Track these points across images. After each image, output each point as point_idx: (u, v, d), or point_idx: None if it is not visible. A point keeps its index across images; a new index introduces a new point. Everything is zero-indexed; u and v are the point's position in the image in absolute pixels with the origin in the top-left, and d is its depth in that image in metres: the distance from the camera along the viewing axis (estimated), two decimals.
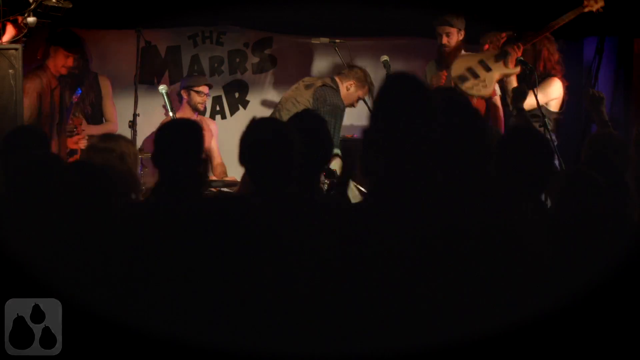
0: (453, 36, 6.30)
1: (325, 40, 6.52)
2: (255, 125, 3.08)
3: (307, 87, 6.22)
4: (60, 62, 5.84)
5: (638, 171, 4.12)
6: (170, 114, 5.94)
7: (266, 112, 6.78)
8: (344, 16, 6.76)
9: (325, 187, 4.47)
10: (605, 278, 2.80)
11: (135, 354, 2.66)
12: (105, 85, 6.48)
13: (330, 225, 2.72)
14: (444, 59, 6.35)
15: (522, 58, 6.24)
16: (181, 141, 3.32)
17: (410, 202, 2.55)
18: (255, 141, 3.02)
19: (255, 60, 7.14)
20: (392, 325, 2.48)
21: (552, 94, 6.12)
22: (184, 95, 6.58)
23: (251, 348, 2.44)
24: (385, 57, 6.24)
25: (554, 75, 6.15)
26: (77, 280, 2.88)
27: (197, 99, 6.53)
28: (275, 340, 2.47)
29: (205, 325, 2.46)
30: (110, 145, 3.87)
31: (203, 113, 6.75)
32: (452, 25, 6.27)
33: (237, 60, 7.02)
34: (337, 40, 6.45)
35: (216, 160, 6.69)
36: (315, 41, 6.62)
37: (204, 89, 6.56)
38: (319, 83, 6.24)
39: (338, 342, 2.49)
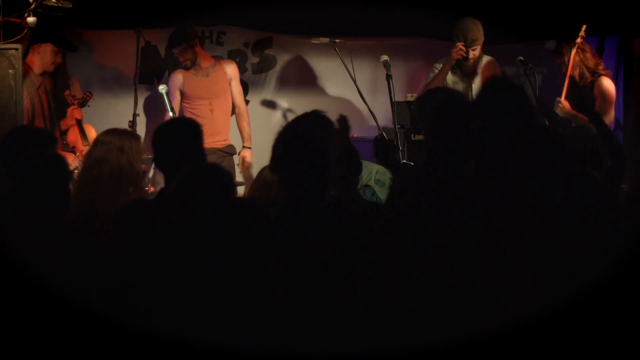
0: (478, 48, 6.34)
1: (325, 40, 6.51)
2: (289, 130, 2.96)
3: None
4: (49, 60, 5.78)
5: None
6: (170, 114, 5.92)
7: (266, 112, 6.77)
8: (344, 16, 6.76)
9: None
10: (607, 277, 2.80)
11: (137, 355, 2.65)
12: (76, 88, 6.30)
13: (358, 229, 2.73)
14: (470, 68, 6.42)
15: (522, 58, 6.24)
16: (179, 140, 3.31)
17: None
18: (291, 149, 2.89)
19: (255, 60, 7.14)
20: (414, 325, 2.50)
21: (612, 97, 6.19)
22: None
23: (264, 349, 2.43)
24: (385, 57, 6.23)
25: (603, 75, 6.20)
26: (80, 280, 2.88)
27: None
28: (292, 341, 2.47)
29: (211, 326, 2.46)
30: (109, 138, 3.89)
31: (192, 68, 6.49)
32: (479, 43, 6.31)
33: (237, 60, 7.01)
34: (337, 40, 6.45)
35: (239, 107, 6.63)
36: (315, 41, 6.61)
37: (174, 51, 6.45)
38: None
39: (360, 342, 2.50)
